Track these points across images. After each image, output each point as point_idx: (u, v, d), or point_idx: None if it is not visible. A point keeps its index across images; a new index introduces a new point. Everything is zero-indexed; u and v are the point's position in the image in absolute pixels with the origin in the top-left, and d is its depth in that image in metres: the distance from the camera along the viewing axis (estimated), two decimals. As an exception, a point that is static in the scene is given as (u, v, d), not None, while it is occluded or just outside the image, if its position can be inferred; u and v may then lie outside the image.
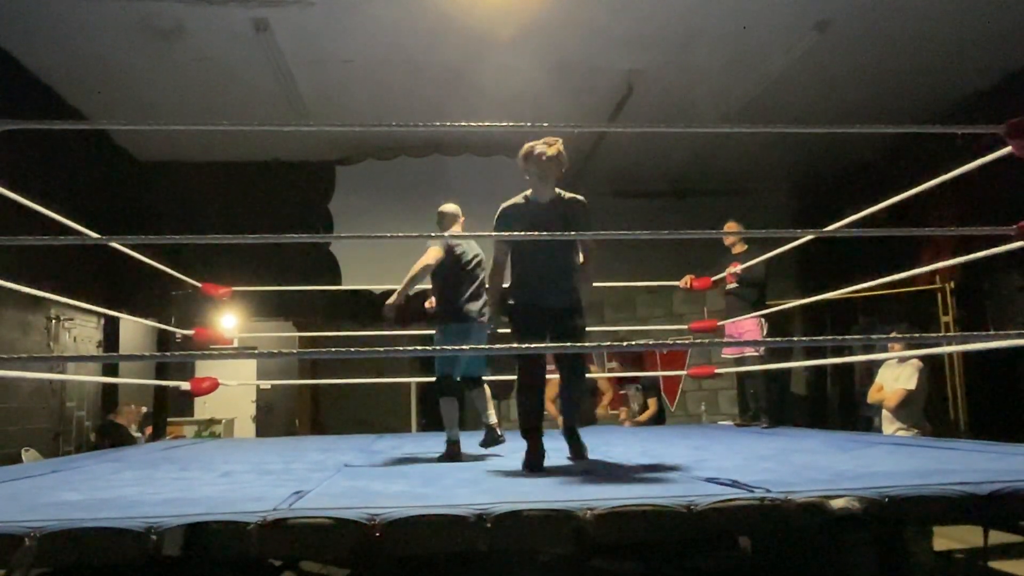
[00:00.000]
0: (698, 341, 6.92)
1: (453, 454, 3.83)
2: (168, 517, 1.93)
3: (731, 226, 5.96)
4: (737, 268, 5.72)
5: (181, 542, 1.86)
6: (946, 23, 6.25)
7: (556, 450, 3.58)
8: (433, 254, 3.91)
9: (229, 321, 9.18)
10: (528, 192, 3.49)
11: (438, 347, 3.90)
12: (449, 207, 4.19)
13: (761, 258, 5.53)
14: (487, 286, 3.76)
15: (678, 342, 7.92)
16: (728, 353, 6.12)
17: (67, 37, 6.23)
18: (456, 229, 4.12)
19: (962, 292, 7.45)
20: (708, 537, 2.10)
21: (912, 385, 5.50)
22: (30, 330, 6.96)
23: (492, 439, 3.90)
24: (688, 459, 3.33)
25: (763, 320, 5.68)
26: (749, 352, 5.65)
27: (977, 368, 7.09)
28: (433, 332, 4.10)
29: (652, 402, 7.27)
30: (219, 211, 8.95)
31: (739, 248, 5.91)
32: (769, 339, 5.74)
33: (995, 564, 2.89)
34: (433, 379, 4.07)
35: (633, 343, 5.48)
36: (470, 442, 3.98)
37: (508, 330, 3.52)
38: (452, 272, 3.93)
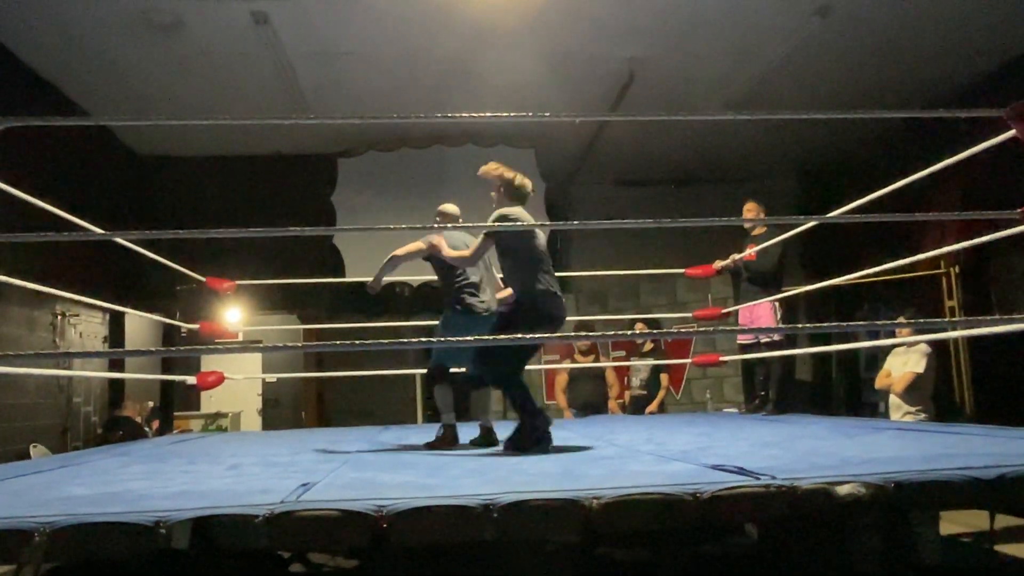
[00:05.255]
0: (719, 329, 6.89)
1: (449, 439, 3.83)
2: (176, 511, 1.93)
3: (750, 207, 5.84)
4: (753, 250, 5.65)
5: (189, 535, 1.86)
6: (948, 7, 6.21)
7: (560, 439, 3.59)
8: (411, 247, 3.98)
9: (234, 315, 9.20)
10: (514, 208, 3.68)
11: (438, 337, 3.93)
12: (449, 207, 4.25)
13: (776, 239, 5.47)
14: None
15: (690, 330, 7.90)
16: (744, 339, 6.07)
17: (67, 33, 6.22)
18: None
19: (967, 277, 7.42)
20: (714, 524, 2.11)
21: (920, 368, 5.49)
22: (36, 326, 6.98)
23: (488, 441, 3.85)
24: (694, 446, 3.33)
25: (777, 305, 5.64)
26: (764, 338, 5.61)
27: (983, 353, 7.08)
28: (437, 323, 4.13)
29: (664, 378, 7.11)
30: (222, 205, 8.95)
31: (759, 230, 5.78)
32: (783, 326, 5.71)
33: (1001, 548, 2.89)
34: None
35: (641, 332, 5.48)
36: (469, 432, 3.98)
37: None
38: (449, 266, 3.95)
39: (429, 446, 3.83)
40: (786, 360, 5.75)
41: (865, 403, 7.99)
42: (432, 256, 3.95)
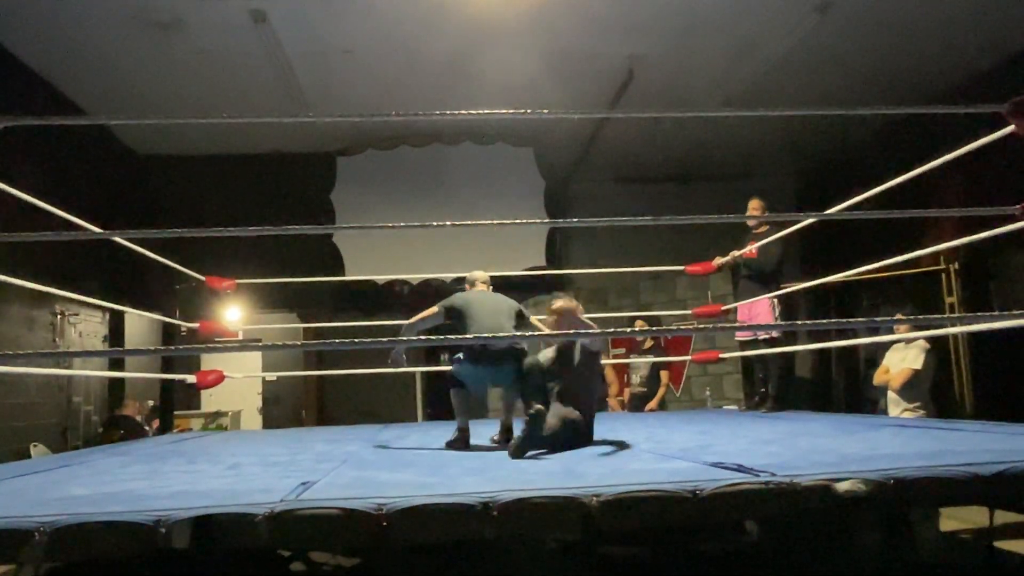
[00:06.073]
0: (718, 326, 6.88)
1: (464, 441, 3.84)
2: (176, 510, 1.93)
3: (755, 204, 5.81)
4: (754, 246, 5.64)
5: (189, 535, 1.86)
6: (947, 4, 6.20)
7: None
8: (425, 313, 4.05)
9: (234, 314, 9.20)
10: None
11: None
12: (477, 273, 4.32)
13: (777, 235, 5.46)
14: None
15: (689, 327, 7.87)
16: (742, 336, 6.05)
17: (65, 32, 6.22)
18: (480, 288, 4.22)
19: (966, 273, 7.42)
20: (714, 522, 2.11)
21: (918, 365, 5.48)
22: (36, 326, 6.98)
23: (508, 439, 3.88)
24: (693, 444, 3.33)
25: (775, 302, 5.63)
26: (763, 336, 5.60)
27: (982, 349, 7.08)
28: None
29: (664, 375, 7.08)
30: (221, 204, 8.95)
31: (762, 227, 5.74)
32: (781, 323, 5.71)
33: (1000, 544, 2.89)
34: (438, 369, 4.09)
35: (641, 329, 5.47)
36: (478, 431, 3.99)
37: None
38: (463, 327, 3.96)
39: (448, 446, 3.84)
40: (786, 357, 5.74)
41: (865, 400, 7.98)
42: (451, 314, 3.99)
